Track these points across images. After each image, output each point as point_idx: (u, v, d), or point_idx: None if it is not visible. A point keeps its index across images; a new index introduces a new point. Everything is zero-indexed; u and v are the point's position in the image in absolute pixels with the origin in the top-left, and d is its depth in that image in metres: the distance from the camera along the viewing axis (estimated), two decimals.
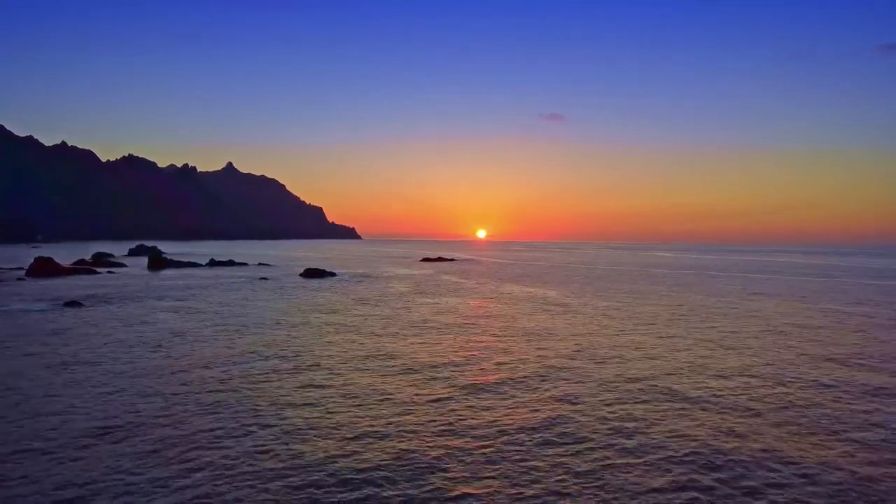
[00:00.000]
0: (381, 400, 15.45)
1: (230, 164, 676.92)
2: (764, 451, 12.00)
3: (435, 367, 19.56)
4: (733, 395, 16.25)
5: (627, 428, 13.30)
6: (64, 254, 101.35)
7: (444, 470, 10.92)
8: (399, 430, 13.03)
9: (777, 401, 15.70)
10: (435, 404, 15.13)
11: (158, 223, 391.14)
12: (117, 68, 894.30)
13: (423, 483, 10.35)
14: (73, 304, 35.38)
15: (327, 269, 68.18)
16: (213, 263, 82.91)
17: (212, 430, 12.91)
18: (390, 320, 30.71)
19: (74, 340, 23.66)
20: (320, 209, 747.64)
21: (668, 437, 12.69)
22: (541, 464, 11.24)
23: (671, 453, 11.78)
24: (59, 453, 11.50)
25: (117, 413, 14.04)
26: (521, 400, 15.62)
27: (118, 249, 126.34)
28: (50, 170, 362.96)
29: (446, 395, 15.98)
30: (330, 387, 16.74)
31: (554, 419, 13.92)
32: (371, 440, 12.39)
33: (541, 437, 12.72)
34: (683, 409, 14.89)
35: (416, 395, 16.02)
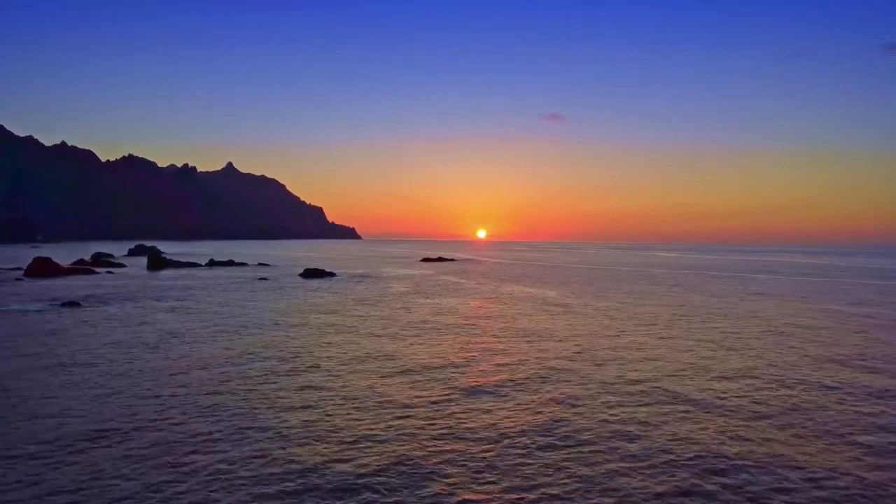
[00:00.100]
0: (380, 402, 15.28)
1: (230, 164, 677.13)
2: (769, 455, 11.83)
3: (434, 368, 19.39)
4: (736, 397, 16.08)
5: (629, 431, 13.13)
6: (63, 254, 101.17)
7: (444, 475, 10.75)
8: (398, 434, 12.87)
9: (781, 403, 15.52)
10: (434, 407, 14.96)
11: (158, 223, 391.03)
12: (117, 68, 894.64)
13: (422, 489, 10.19)
14: (71, 304, 35.22)
15: (327, 270, 68.02)
16: (212, 263, 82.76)
17: (209, 432, 12.74)
18: (390, 321, 30.54)
19: (72, 341, 23.49)
20: (320, 209, 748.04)
21: (671, 441, 12.52)
22: (542, 468, 11.07)
23: (674, 457, 11.61)
24: (54, 457, 11.33)
25: (113, 416, 13.87)
26: (522, 402, 15.45)
27: (118, 249, 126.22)
28: (50, 170, 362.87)
29: (446, 398, 15.81)
30: (328, 389, 16.57)
31: (555, 422, 13.76)
32: (369, 444, 12.22)
33: (541, 440, 12.55)
34: (686, 411, 14.72)
35: (416, 397, 15.85)
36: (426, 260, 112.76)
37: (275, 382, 17.22)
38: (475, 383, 17.47)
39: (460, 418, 14.05)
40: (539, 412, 14.57)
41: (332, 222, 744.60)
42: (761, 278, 70.79)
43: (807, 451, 12.05)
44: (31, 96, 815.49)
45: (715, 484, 10.44)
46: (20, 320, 29.17)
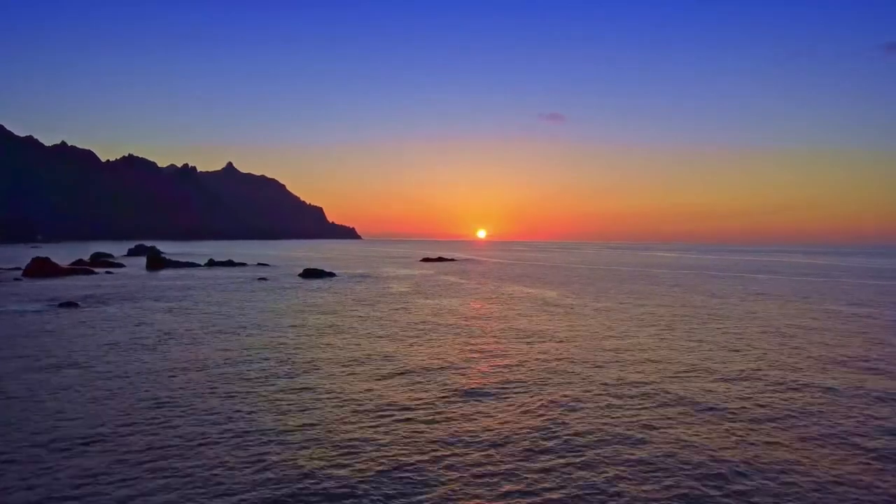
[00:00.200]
0: (379, 405, 15.07)
1: (230, 164, 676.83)
2: (774, 460, 11.62)
3: (433, 370, 19.19)
4: (740, 399, 15.87)
5: (631, 435, 12.92)
6: (63, 254, 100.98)
7: (442, 481, 10.55)
8: (396, 438, 12.66)
9: (785, 406, 15.31)
10: (433, 409, 14.75)
11: (158, 223, 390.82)
12: (117, 68, 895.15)
13: (420, 494, 9.98)
14: (68, 304, 35.02)
15: (327, 270, 67.82)
16: (211, 264, 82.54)
17: (205, 435, 12.53)
18: (389, 322, 30.35)
19: (69, 342, 23.29)
20: (320, 209, 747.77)
21: (674, 445, 12.31)
22: (540, 475, 10.87)
23: (678, 462, 11.40)
24: (48, 460, 11.13)
25: (109, 418, 13.67)
26: (522, 405, 15.24)
27: (118, 249, 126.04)
28: (50, 170, 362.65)
29: (445, 400, 15.61)
30: (326, 391, 16.36)
31: (555, 425, 13.55)
32: (367, 448, 12.02)
33: (541, 444, 12.34)
34: (690, 415, 14.51)
35: (415, 399, 15.64)
36: (426, 260, 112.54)
37: (273, 384, 17.02)
38: (475, 385, 17.27)
39: (459, 421, 13.85)
40: (539, 415, 14.37)
41: (332, 222, 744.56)
42: (761, 278, 70.57)
43: (813, 456, 11.84)
44: (31, 96, 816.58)
45: (719, 490, 10.24)
46: (18, 321, 28.98)
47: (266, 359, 20.57)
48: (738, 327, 29.39)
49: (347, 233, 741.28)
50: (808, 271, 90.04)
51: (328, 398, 15.65)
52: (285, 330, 27.10)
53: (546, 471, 10.98)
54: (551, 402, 15.55)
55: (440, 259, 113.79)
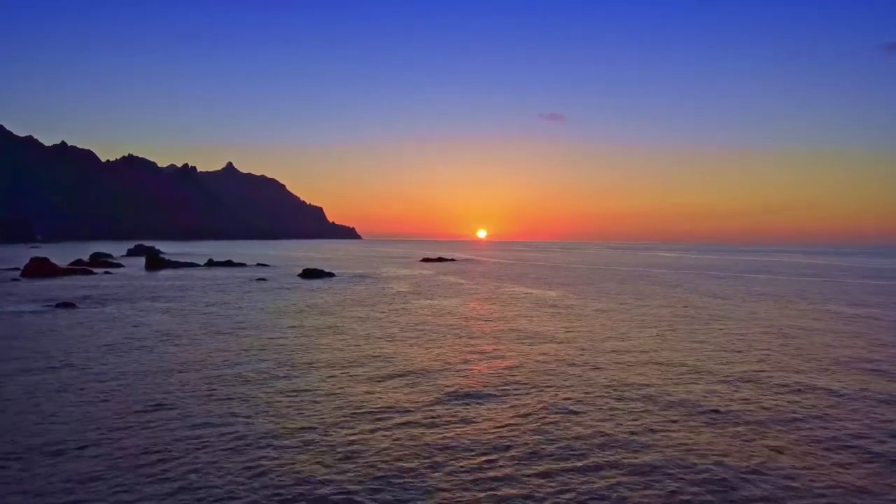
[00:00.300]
0: (375, 408, 14.85)
1: (230, 164, 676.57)
2: (782, 466, 11.40)
3: (432, 372, 18.98)
4: (745, 403, 15.65)
5: (633, 440, 12.70)
6: (63, 254, 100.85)
7: (438, 487, 10.34)
8: (390, 442, 12.45)
9: (791, 410, 15.10)
10: (431, 412, 14.54)
11: (158, 223, 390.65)
12: (117, 68, 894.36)
13: (416, 502, 9.78)
14: (66, 305, 34.83)
15: (326, 270, 67.63)
16: (211, 264, 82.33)
17: (199, 438, 12.32)
18: (388, 322, 30.15)
19: (65, 343, 23.09)
20: (320, 209, 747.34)
21: (678, 451, 12.09)
22: (540, 480, 10.66)
23: (682, 468, 11.19)
24: (40, 464, 10.92)
25: (102, 421, 13.46)
26: (521, 409, 15.03)
27: (118, 249, 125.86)
28: (50, 170, 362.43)
29: (443, 403, 15.41)
30: (323, 393, 16.15)
31: (554, 430, 13.34)
32: (360, 453, 11.80)
33: (541, 449, 12.13)
34: (693, 418, 14.30)
35: (412, 402, 15.43)
36: (426, 260, 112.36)
37: (270, 386, 16.81)
38: (474, 388, 17.06)
39: (458, 424, 13.64)
40: (540, 418, 14.16)
41: (332, 222, 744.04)
42: (762, 278, 70.37)
43: (820, 462, 11.62)
44: (31, 96, 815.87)
45: (724, 497, 10.02)
46: (14, 321, 28.78)
47: (264, 360, 20.37)
48: (740, 328, 29.19)
49: (347, 233, 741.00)
50: (808, 271, 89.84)
51: (326, 400, 15.45)
52: (283, 331, 26.90)
53: (546, 475, 10.77)
54: (552, 404, 15.35)
55: (440, 259, 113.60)
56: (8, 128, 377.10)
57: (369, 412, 14.48)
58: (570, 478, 10.69)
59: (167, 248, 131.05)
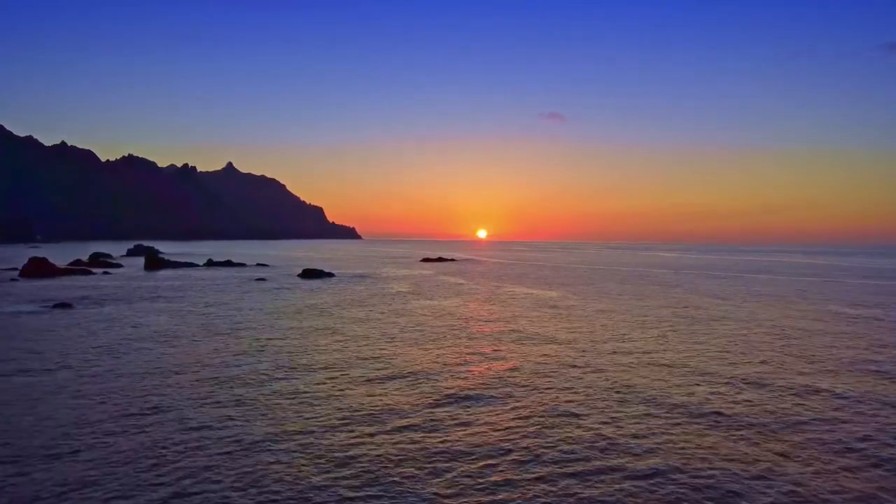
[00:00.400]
0: (372, 411, 14.64)
1: (230, 164, 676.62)
2: (791, 474, 11.16)
3: (430, 374, 18.78)
4: (749, 407, 15.42)
5: (634, 445, 12.49)
6: (62, 254, 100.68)
7: (434, 493, 10.14)
8: (388, 447, 12.24)
9: (797, 414, 14.88)
10: (428, 416, 14.33)
11: (158, 223, 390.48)
12: (117, 68, 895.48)
13: None
14: (63, 305, 34.63)
15: (326, 270, 67.43)
16: (210, 264, 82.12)
17: (192, 441, 12.13)
18: (387, 323, 29.95)
19: (60, 344, 22.90)
20: (320, 209, 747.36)
21: (682, 457, 11.88)
22: (540, 488, 10.45)
23: (685, 475, 10.97)
24: (30, 469, 10.71)
25: (96, 424, 13.25)
26: (520, 412, 14.83)
27: (118, 249, 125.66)
28: (50, 170, 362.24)
29: (441, 406, 15.20)
30: (319, 396, 15.94)
31: (554, 435, 13.14)
32: (357, 457, 11.60)
33: (540, 454, 11.92)
34: (696, 423, 14.09)
35: (409, 404, 15.22)
36: (426, 260, 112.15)
37: (267, 388, 16.61)
38: (474, 390, 16.85)
39: (457, 428, 13.44)
40: (539, 422, 13.96)
41: (332, 222, 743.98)
42: (762, 279, 70.15)
43: (827, 468, 11.40)
44: (31, 96, 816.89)
45: None
46: (11, 322, 28.58)
47: (262, 362, 20.17)
48: (742, 329, 28.99)
49: (347, 233, 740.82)
50: (808, 271, 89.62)
51: (324, 403, 15.25)
52: (282, 332, 26.70)
53: (547, 480, 10.57)
54: (553, 407, 15.15)
55: (440, 259, 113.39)
56: (8, 128, 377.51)
57: (368, 415, 14.29)
58: (571, 483, 10.50)
59: (167, 249, 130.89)
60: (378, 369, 19.30)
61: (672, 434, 13.09)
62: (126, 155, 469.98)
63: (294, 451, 11.81)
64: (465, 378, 18.30)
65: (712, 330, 28.63)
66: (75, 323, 28.66)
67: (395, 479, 10.59)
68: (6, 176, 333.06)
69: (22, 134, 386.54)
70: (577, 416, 14.43)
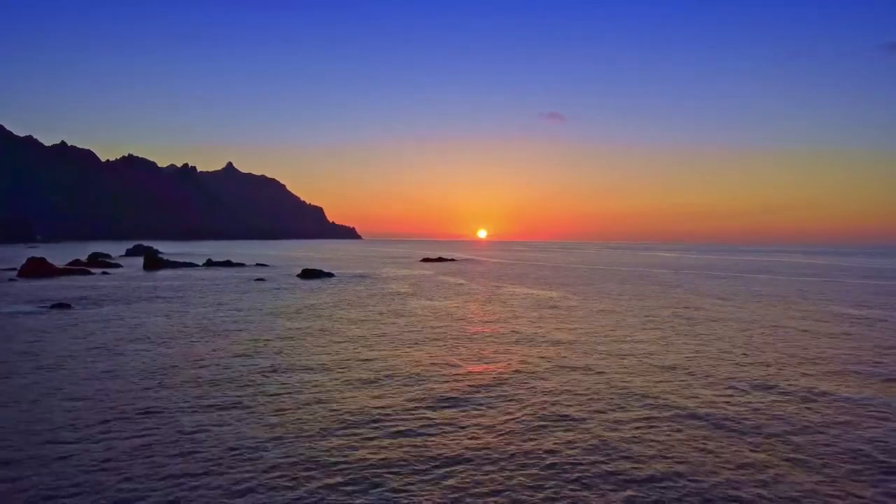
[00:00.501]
0: (368, 414, 14.43)
1: (230, 164, 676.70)
2: (798, 482, 10.97)
3: (429, 376, 18.58)
4: (754, 412, 15.18)
5: (635, 452, 12.28)
6: (62, 254, 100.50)
7: (429, 500, 9.94)
8: (382, 452, 12.04)
9: (801, 420, 14.64)
10: (426, 418, 14.14)
11: (158, 223, 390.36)
12: (117, 68, 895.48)
13: None
14: (61, 306, 34.44)
15: (325, 270, 67.25)
16: (209, 264, 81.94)
17: (186, 445, 11.94)
18: (386, 324, 29.75)
19: (57, 344, 22.70)
20: (320, 209, 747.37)
21: (684, 464, 11.66)
22: (539, 495, 10.25)
23: (688, 483, 10.75)
24: (22, 471, 10.52)
25: (90, 425, 13.05)
26: (518, 415, 14.63)
27: (118, 249, 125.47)
28: (50, 170, 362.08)
29: (437, 410, 14.99)
30: (317, 398, 15.74)
31: (554, 440, 12.94)
32: (354, 460, 11.41)
33: (539, 461, 11.72)
34: (700, 428, 13.88)
35: (406, 408, 15.02)
36: (426, 260, 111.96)
37: (263, 390, 16.40)
38: (473, 392, 16.66)
39: (455, 431, 13.24)
40: (539, 426, 13.76)
41: (332, 222, 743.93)
42: (762, 279, 69.95)
43: (837, 474, 11.20)
44: (31, 96, 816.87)
45: None
46: (8, 322, 28.38)
47: (259, 363, 19.97)
48: (743, 330, 28.79)
49: (347, 233, 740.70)
50: (808, 271, 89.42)
51: (321, 405, 15.05)
52: (280, 332, 26.50)
53: (546, 486, 10.38)
54: (553, 410, 14.95)
55: (440, 259, 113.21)
56: (8, 128, 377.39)
57: (365, 417, 14.09)
58: (572, 490, 10.30)
59: (167, 248, 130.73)
60: (377, 371, 19.10)
61: (674, 439, 12.89)
62: (126, 155, 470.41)
63: (290, 456, 11.61)
64: (464, 380, 18.10)
65: (713, 331, 28.43)
66: (73, 323, 28.46)
67: (392, 483, 10.39)
68: (6, 176, 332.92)
69: (22, 134, 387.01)
70: (577, 419, 14.23)
